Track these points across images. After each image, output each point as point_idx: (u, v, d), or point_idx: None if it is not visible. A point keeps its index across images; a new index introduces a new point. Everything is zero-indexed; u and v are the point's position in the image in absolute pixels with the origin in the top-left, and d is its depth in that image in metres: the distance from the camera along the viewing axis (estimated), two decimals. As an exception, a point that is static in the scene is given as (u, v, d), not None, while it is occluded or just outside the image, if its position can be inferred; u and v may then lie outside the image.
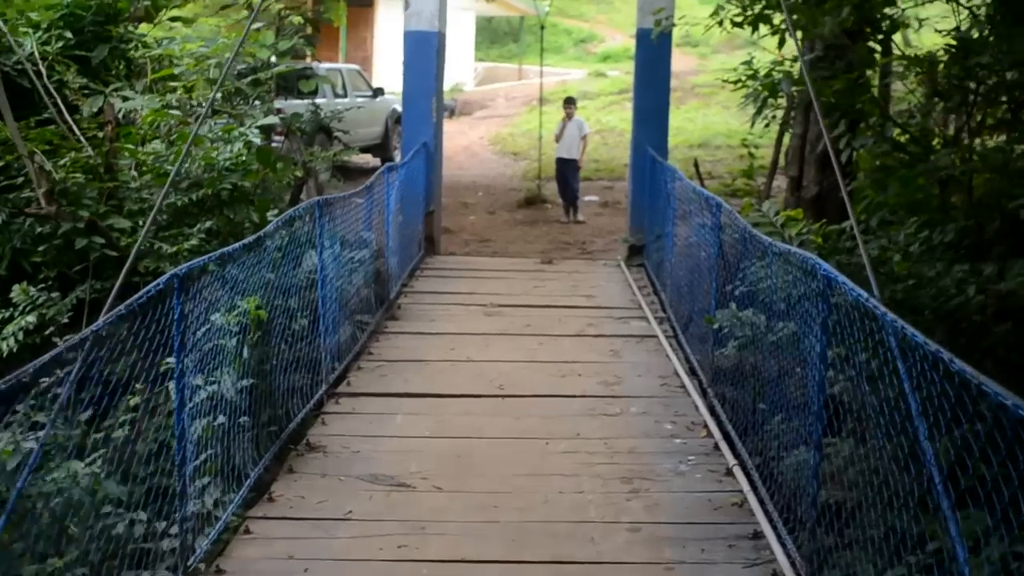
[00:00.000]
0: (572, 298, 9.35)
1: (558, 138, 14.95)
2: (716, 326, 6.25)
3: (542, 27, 16.27)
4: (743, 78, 7.92)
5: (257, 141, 7.05)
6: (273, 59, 9.08)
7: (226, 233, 7.00)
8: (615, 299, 9.36)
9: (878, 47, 7.68)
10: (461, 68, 30.67)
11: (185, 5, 10.98)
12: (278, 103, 11.10)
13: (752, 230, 5.50)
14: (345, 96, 18.19)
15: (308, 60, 10.87)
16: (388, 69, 23.76)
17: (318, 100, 17.79)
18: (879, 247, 6.03)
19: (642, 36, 10.90)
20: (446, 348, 7.67)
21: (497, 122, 24.76)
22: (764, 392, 5.30)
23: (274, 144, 11.45)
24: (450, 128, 25.08)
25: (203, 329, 4.94)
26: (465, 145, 22.26)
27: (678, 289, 8.51)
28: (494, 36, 36.81)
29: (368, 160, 18.47)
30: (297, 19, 10.05)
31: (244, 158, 7.05)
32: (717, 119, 23.36)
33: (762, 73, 7.84)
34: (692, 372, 7.13)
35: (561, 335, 8.06)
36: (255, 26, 9.32)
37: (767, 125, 8.31)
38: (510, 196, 16.31)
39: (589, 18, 39.52)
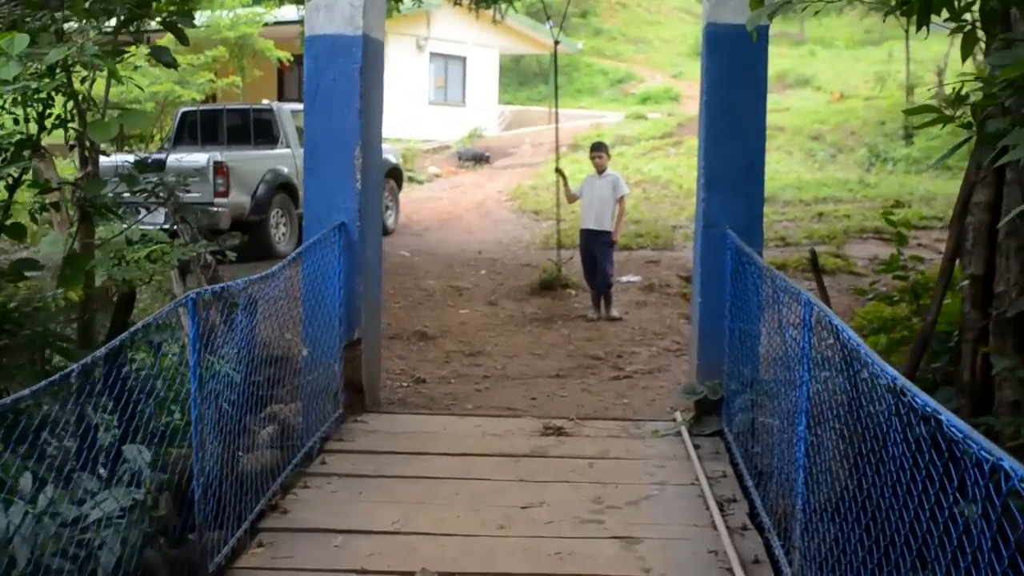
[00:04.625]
0: (593, 545, 4.33)
1: (571, 199, 10.21)
2: None
3: (555, 53, 11.43)
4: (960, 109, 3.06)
5: None
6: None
7: None
8: (680, 546, 4.30)
9: None
10: (483, 111, 26.07)
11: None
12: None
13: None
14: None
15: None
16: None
17: (281, 151, 13.36)
18: None
19: (716, 38, 5.73)
20: None
21: (520, 172, 19.98)
22: None
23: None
24: (465, 180, 20.29)
25: None
26: (479, 201, 17.47)
27: (819, 533, 3.61)
28: (523, 77, 32.13)
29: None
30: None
31: None
32: (780, 166, 18.35)
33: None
34: None
35: None
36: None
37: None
38: (522, 276, 11.42)
39: (627, 58, 34.91)
